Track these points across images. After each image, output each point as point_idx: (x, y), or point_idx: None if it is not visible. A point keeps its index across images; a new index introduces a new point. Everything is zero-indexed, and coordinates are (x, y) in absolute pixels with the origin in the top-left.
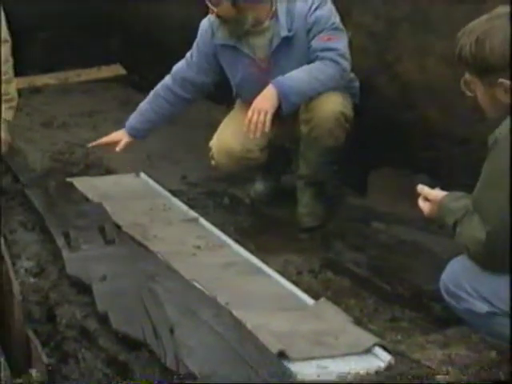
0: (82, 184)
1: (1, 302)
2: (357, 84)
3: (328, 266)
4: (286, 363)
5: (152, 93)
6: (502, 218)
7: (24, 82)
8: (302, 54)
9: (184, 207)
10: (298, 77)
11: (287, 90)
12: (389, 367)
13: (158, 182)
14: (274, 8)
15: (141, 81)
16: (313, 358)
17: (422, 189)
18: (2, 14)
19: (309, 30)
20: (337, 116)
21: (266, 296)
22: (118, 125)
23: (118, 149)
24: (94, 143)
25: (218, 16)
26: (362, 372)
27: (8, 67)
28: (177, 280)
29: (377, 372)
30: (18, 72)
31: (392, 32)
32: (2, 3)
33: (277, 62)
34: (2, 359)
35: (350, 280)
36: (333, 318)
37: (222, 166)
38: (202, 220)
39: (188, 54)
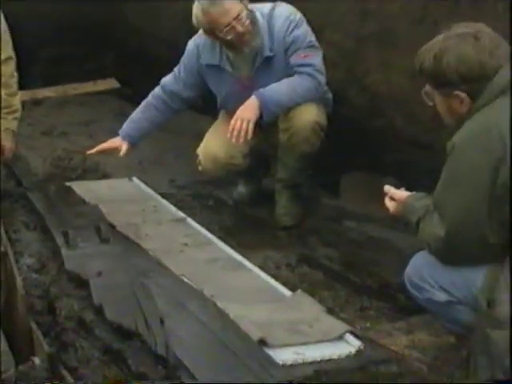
0: (80, 188)
1: (5, 296)
2: (330, 95)
3: (304, 261)
4: (265, 349)
5: (143, 103)
6: (459, 217)
7: (27, 95)
8: (281, 70)
9: (173, 208)
10: (278, 89)
11: (268, 100)
12: (359, 352)
13: (149, 185)
14: (257, 29)
15: (133, 94)
16: (290, 345)
17: (389, 189)
18: (3, 17)
19: (287, 49)
20: (312, 125)
21: (247, 289)
22: (113, 133)
23: (121, 154)
24: (92, 150)
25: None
26: (334, 357)
27: (13, 82)
28: (167, 275)
29: (348, 356)
30: (22, 86)
31: (360, 49)
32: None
33: (259, 79)
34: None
35: (323, 273)
36: (308, 308)
37: (207, 171)
38: (190, 220)
39: (176, 70)
